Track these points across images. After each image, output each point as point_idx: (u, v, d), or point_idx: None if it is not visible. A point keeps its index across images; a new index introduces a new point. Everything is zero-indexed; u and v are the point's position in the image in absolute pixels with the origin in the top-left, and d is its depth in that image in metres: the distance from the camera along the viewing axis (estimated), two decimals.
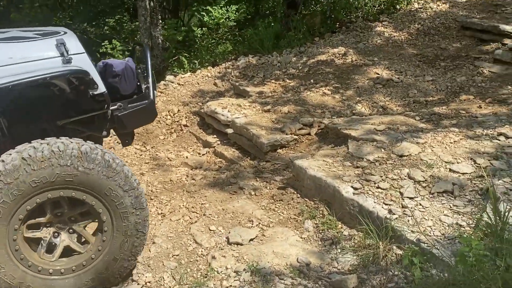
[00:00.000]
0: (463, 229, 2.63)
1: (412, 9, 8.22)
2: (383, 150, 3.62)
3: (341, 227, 3.07)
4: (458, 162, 3.31)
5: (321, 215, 3.20)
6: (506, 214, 2.32)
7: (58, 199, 2.47)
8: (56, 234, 2.59)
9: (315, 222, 3.18)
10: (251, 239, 3.04)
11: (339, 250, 2.87)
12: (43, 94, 2.77)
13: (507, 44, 6.24)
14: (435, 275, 2.38)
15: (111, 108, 2.88)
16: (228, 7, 8.27)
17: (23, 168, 2.30)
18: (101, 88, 2.73)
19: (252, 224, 3.23)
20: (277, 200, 3.57)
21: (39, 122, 2.90)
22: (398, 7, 8.36)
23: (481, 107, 4.63)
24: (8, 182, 2.28)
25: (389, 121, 4.23)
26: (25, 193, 2.33)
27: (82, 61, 2.67)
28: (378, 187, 3.12)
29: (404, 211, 2.85)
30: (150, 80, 3.14)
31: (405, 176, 3.20)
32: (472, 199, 2.91)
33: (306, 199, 3.42)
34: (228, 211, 3.43)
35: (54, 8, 11.65)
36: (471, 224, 2.64)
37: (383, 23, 7.85)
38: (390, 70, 6.14)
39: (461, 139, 3.67)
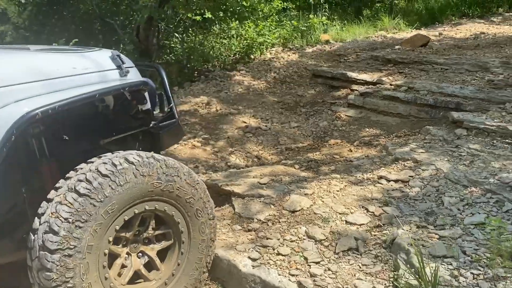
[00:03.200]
0: None
1: (266, 59, 8.45)
2: (272, 206, 3.22)
3: None
4: (351, 213, 3.08)
5: None
6: (434, 271, 2.06)
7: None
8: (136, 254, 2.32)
9: None
10: None
11: None
12: (103, 108, 2.52)
13: (355, 90, 6.68)
14: None
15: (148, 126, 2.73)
16: None
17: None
18: (148, 104, 2.60)
19: None
20: None
21: (86, 141, 2.57)
22: (252, 56, 8.51)
23: (351, 151, 4.66)
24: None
25: (270, 172, 3.90)
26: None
27: (135, 74, 2.61)
28: (278, 254, 2.66)
29: (315, 280, 2.43)
30: (172, 99, 3.01)
31: (304, 236, 2.83)
32: (378, 254, 2.64)
33: None
34: None
35: None
36: (389, 286, 2.34)
37: (240, 72, 7.84)
38: (256, 118, 5.98)
39: (345, 185, 3.50)
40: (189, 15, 8.23)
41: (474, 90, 5.44)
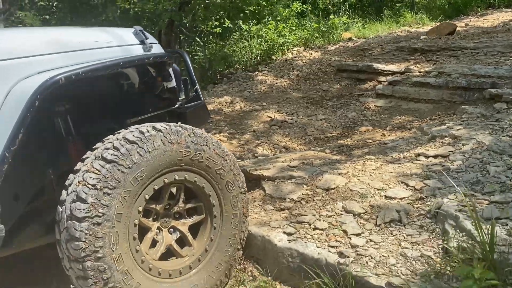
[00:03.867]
0: (432, 260, 2.12)
1: (288, 59, 8.34)
2: (305, 186, 3.07)
3: None
4: (390, 188, 2.90)
5: (251, 278, 2.44)
6: (490, 230, 1.86)
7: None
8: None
9: None
10: None
11: None
12: (128, 86, 2.48)
13: (383, 81, 6.47)
14: None
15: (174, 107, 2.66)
16: None
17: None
18: (173, 81, 2.54)
19: None
20: None
21: (112, 122, 2.46)
22: (273, 57, 8.43)
23: (384, 135, 4.47)
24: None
25: (300, 156, 3.76)
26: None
27: (158, 50, 2.55)
28: (315, 228, 2.50)
29: (357, 251, 2.26)
30: (196, 82, 2.95)
31: (341, 211, 2.66)
32: (423, 224, 2.45)
33: None
34: None
35: None
36: (439, 252, 2.15)
37: (263, 72, 7.76)
38: (281, 113, 5.86)
39: (381, 164, 3.32)
40: (208, 27, 8.24)
41: (509, 69, 5.16)
